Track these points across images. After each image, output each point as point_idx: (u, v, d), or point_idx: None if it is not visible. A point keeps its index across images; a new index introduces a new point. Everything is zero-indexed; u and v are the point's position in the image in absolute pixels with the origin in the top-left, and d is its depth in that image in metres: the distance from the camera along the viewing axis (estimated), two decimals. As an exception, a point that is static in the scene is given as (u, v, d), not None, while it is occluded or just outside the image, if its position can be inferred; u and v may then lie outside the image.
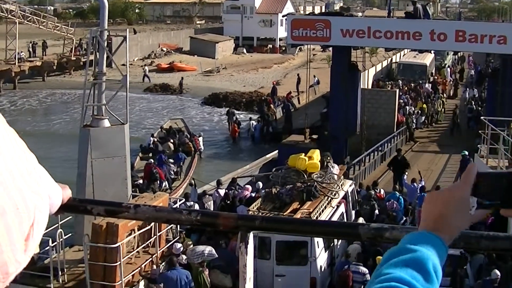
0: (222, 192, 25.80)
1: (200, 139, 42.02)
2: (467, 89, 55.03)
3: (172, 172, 34.09)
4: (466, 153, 31.15)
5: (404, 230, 2.23)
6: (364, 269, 18.06)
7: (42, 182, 1.49)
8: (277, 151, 37.00)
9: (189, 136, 41.38)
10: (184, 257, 17.88)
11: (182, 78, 71.11)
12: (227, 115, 53.15)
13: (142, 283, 17.06)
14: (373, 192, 24.98)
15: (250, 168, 34.53)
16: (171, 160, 34.83)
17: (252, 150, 46.22)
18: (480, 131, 25.98)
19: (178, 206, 20.31)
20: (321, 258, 18.25)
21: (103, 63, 19.32)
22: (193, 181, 30.07)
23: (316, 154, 21.44)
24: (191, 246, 18.54)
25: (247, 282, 2.60)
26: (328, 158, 21.96)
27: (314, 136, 36.17)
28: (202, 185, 29.60)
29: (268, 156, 37.34)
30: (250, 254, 2.58)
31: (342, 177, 22.45)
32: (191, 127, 47.49)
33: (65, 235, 16.91)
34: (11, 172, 1.34)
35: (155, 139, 38.76)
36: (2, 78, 68.06)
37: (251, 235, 2.54)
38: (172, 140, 38.84)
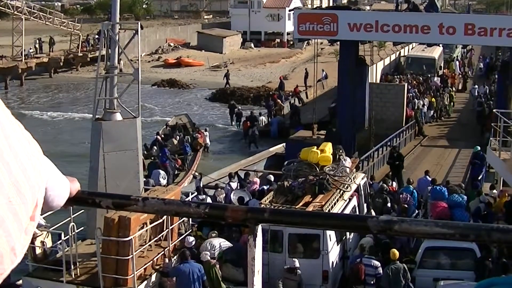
0: (234, 185, 25.83)
1: (206, 133, 41.97)
2: (477, 86, 54.32)
3: (175, 168, 34.18)
4: (479, 148, 30.99)
5: (413, 223, 2.23)
6: (377, 263, 18.05)
7: (43, 173, 1.49)
8: (281, 145, 37.22)
9: (192, 131, 41.36)
10: (208, 254, 17.81)
11: (228, 70, 70.56)
12: (228, 108, 53.11)
13: (154, 276, 17.11)
14: (385, 185, 24.93)
15: (253, 160, 34.56)
16: (173, 156, 34.89)
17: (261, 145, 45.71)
18: (492, 124, 25.90)
19: (190, 200, 20.34)
20: (334, 252, 18.23)
21: (115, 56, 19.33)
22: (197, 174, 30.19)
23: (328, 147, 21.36)
24: (214, 235, 18.52)
25: (255, 275, 2.58)
26: (340, 151, 21.88)
27: (322, 132, 36.01)
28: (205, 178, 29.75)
29: (271, 149, 37.34)
30: (258, 247, 2.55)
31: (354, 170, 22.44)
32: (204, 124, 47.59)
33: (77, 229, 16.94)
34: (8, 165, 1.33)
35: (160, 137, 38.62)
36: (9, 75, 68.07)
37: (259, 228, 2.51)
38: (177, 137, 38.70)
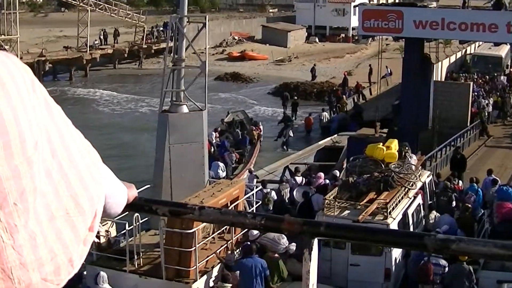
0: (299, 179, 25.83)
1: (260, 127, 42.06)
2: None
3: (233, 161, 34.40)
4: None
5: (471, 242, 2.19)
6: (444, 262, 17.85)
7: (103, 183, 1.52)
8: (329, 138, 37.77)
9: (249, 126, 41.30)
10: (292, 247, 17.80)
11: (315, 64, 70.38)
12: (281, 99, 53.05)
13: (216, 269, 17.16)
14: (449, 183, 24.52)
15: (303, 154, 34.62)
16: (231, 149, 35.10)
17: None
18: None
19: (254, 193, 20.39)
20: (396, 250, 18.07)
21: (182, 49, 19.51)
22: (252, 169, 30.31)
23: (394, 144, 21.15)
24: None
25: (310, 289, 2.58)
26: (406, 148, 21.70)
27: (385, 130, 35.54)
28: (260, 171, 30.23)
29: (320, 143, 37.63)
30: (314, 260, 2.52)
31: (420, 167, 22.21)
32: (262, 118, 47.57)
33: (141, 219, 17.11)
34: (66, 177, 1.35)
35: (217, 133, 38.78)
36: (74, 66, 69.23)
37: (315, 241, 2.49)
38: (233, 133, 38.89)
